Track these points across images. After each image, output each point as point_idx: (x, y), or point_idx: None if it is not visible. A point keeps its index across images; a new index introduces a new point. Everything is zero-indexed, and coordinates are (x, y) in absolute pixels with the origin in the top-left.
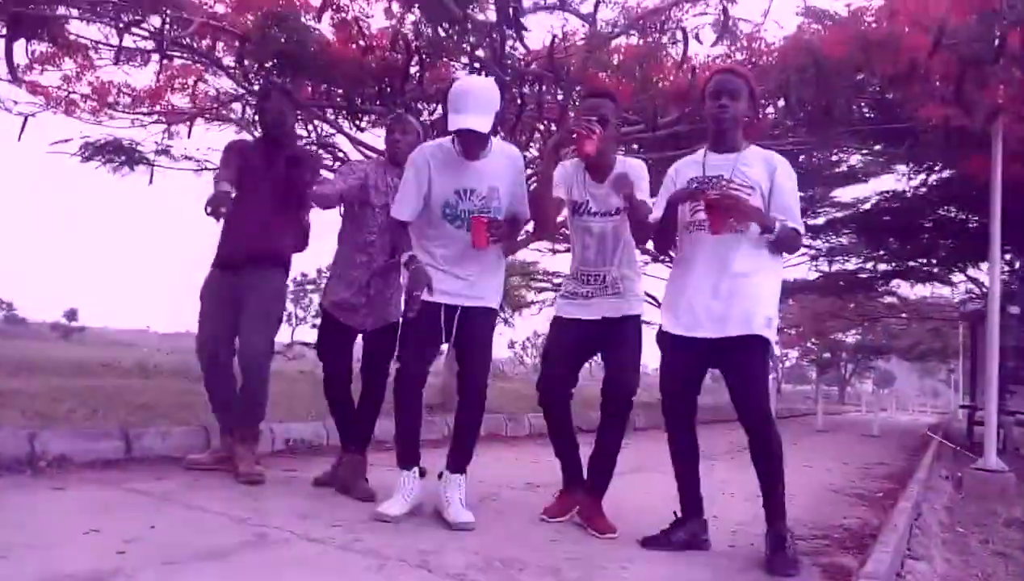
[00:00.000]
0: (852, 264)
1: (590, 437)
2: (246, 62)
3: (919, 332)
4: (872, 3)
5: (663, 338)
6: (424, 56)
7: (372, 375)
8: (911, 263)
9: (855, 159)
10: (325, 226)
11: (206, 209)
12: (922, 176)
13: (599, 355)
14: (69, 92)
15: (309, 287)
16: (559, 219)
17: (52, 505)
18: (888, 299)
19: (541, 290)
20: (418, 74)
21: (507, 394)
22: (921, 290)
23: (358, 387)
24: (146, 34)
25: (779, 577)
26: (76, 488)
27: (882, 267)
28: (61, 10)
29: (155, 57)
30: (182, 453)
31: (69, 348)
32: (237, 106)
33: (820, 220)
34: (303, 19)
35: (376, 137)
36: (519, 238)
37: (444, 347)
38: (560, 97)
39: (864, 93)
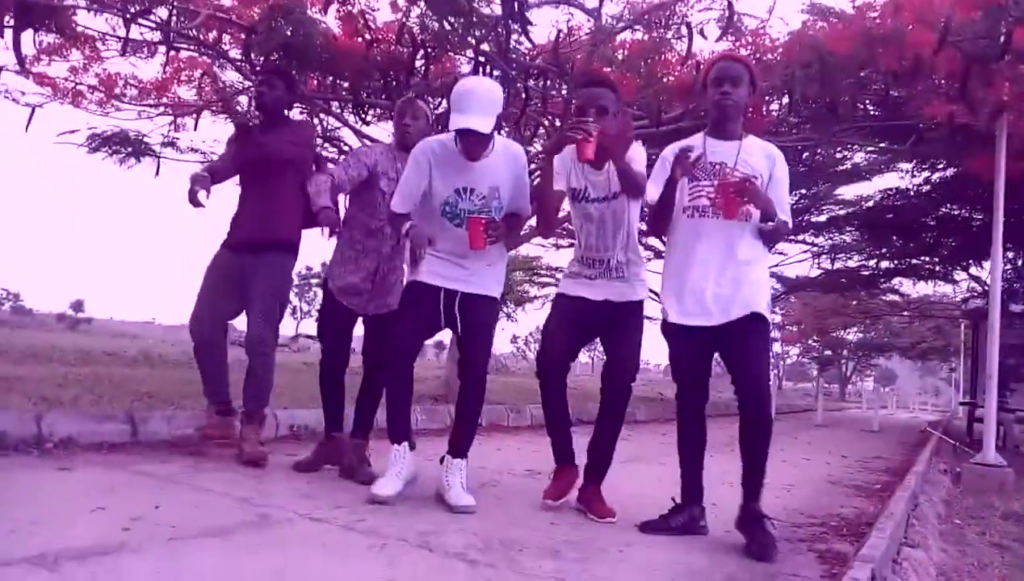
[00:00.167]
0: (854, 261)
1: (591, 429)
2: (252, 55)
3: (921, 330)
4: None
5: (669, 328)
6: (429, 50)
7: (375, 360)
8: (913, 261)
9: (859, 156)
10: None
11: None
12: (925, 174)
13: (600, 349)
14: (76, 83)
15: (314, 281)
16: (560, 215)
17: (58, 484)
18: (890, 297)
19: (544, 285)
20: (423, 68)
21: (510, 388)
22: (923, 288)
23: (354, 383)
24: (153, 25)
25: (766, 560)
26: (82, 469)
27: (884, 264)
28: (69, 0)
29: (161, 49)
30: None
31: (75, 338)
32: (244, 99)
33: (823, 217)
34: (309, 12)
35: (382, 131)
36: (523, 233)
37: (448, 345)
38: (565, 92)
39: (868, 90)
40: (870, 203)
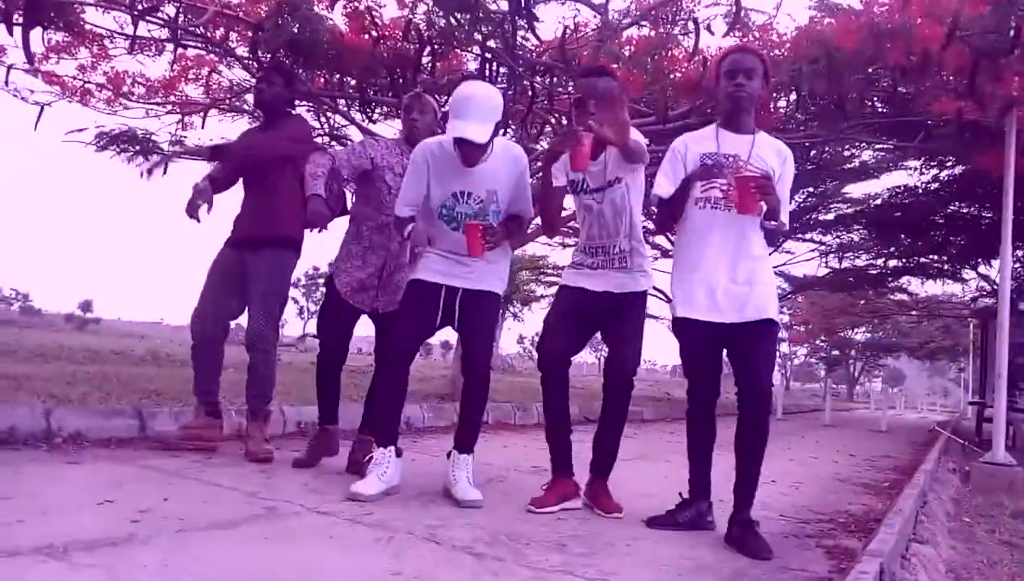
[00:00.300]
0: (862, 260)
1: (595, 427)
2: (259, 52)
3: (929, 330)
4: None
5: (680, 323)
6: (436, 46)
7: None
8: (922, 259)
9: (867, 154)
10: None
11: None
12: (934, 171)
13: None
14: (84, 81)
15: (321, 281)
16: (564, 215)
17: (67, 477)
18: (898, 296)
19: (551, 284)
20: (430, 64)
21: (516, 388)
22: (932, 287)
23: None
24: (160, 22)
25: (760, 558)
26: (91, 463)
27: (892, 263)
28: None
29: (169, 47)
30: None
31: (83, 338)
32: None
33: (831, 215)
34: (316, 8)
35: (388, 129)
36: (528, 232)
37: (454, 344)
38: (571, 88)
39: (876, 86)
40: (878, 201)
